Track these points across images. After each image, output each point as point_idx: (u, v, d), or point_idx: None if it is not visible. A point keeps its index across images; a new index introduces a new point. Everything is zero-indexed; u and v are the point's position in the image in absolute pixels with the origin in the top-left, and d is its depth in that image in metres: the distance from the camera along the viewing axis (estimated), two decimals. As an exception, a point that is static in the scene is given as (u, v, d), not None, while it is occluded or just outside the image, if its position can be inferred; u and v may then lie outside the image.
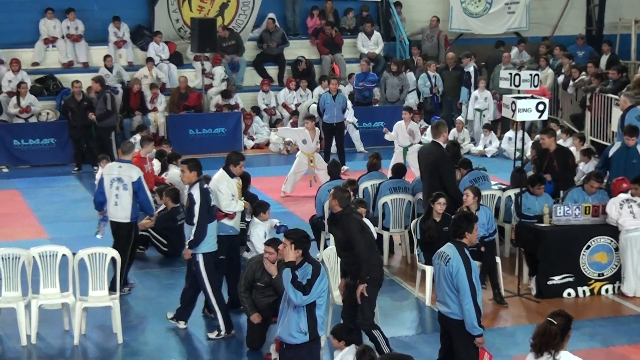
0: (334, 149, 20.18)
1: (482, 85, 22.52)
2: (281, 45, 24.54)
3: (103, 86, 20.30)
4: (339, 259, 11.04)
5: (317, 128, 18.86)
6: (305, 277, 8.79)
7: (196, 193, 11.47)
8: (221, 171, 12.15)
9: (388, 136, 19.38)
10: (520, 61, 24.59)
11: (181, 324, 11.97)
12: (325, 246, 13.80)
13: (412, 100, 23.45)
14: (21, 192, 18.72)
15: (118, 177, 12.90)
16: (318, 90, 23.10)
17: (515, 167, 14.57)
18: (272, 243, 10.65)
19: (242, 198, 12.47)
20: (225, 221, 12.02)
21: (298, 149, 18.84)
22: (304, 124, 18.92)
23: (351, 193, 12.54)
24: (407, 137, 18.79)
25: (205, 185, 11.65)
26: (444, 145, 13.63)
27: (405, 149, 18.82)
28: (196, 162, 11.81)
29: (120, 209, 12.88)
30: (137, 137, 21.17)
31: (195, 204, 11.43)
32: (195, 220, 11.40)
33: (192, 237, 11.43)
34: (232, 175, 12.13)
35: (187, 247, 11.52)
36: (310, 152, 18.32)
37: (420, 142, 18.57)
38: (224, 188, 11.97)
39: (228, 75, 23.89)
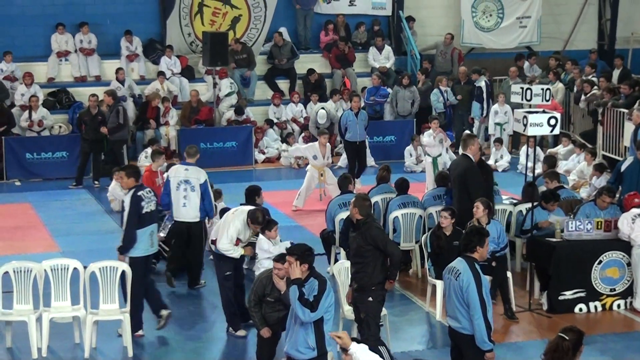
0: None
1: (502, 99, 22.42)
2: (291, 59, 24.58)
3: (115, 99, 20.40)
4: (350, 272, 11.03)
5: (328, 144, 18.80)
6: (312, 293, 8.80)
7: (127, 200, 11.82)
8: (244, 219, 11.89)
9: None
10: (531, 75, 24.59)
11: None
12: (336, 260, 13.79)
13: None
14: (33, 205, 18.76)
15: (185, 179, 13.63)
16: (329, 104, 23.12)
17: (527, 181, 14.55)
18: (281, 259, 10.65)
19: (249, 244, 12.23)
20: None
21: (308, 163, 18.84)
22: (318, 137, 18.80)
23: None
24: (437, 146, 18.80)
25: (139, 193, 11.86)
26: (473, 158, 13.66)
27: (435, 159, 18.80)
28: (135, 168, 12.22)
29: (190, 210, 13.61)
30: (149, 150, 21.24)
31: (124, 210, 11.84)
32: (124, 227, 11.81)
33: (121, 243, 11.82)
34: (249, 225, 11.96)
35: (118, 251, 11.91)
36: (320, 166, 18.32)
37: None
38: (232, 229, 11.82)
39: (239, 89, 23.95)
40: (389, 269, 10.58)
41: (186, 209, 13.61)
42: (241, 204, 14.08)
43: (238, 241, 11.88)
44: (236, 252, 11.90)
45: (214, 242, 12.08)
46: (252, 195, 13.56)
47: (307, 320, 8.78)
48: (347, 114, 19.54)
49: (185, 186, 13.60)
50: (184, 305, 13.28)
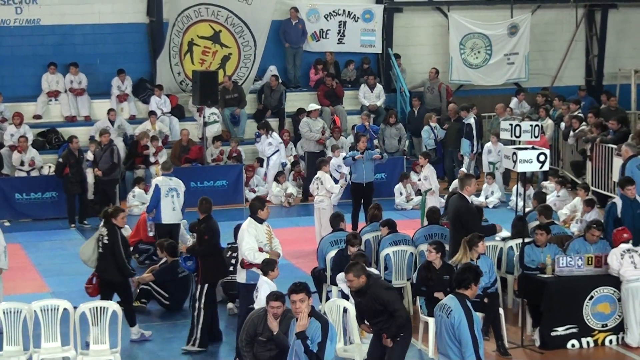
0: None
1: (495, 138, 22.33)
2: (276, 108, 24.56)
3: (109, 139, 20.47)
4: (343, 311, 10.98)
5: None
6: (315, 339, 8.76)
7: None
8: (248, 219, 12.45)
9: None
10: (520, 112, 24.70)
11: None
12: (327, 298, 13.76)
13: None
14: (23, 246, 18.68)
15: (173, 187, 16.28)
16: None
17: (517, 215, 14.57)
18: (279, 297, 10.49)
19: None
20: (255, 269, 12.12)
21: (302, 200, 18.66)
22: (321, 167, 18.08)
23: (364, 263, 12.53)
24: (422, 183, 18.74)
25: None
26: (469, 198, 13.73)
27: (424, 194, 18.78)
28: None
29: (177, 213, 16.31)
30: (136, 190, 21.23)
31: None
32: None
33: None
34: (260, 222, 12.38)
35: None
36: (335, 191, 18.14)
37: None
38: (247, 236, 12.20)
39: (229, 128, 23.97)
40: (391, 325, 10.33)
41: (175, 212, 16.28)
42: (229, 244, 14.31)
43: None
44: (257, 259, 12.05)
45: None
46: None
47: None
48: (353, 154, 18.58)
49: (173, 193, 16.29)
50: (175, 347, 13.20)
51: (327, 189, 17.75)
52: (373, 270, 12.77)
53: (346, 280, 10.31)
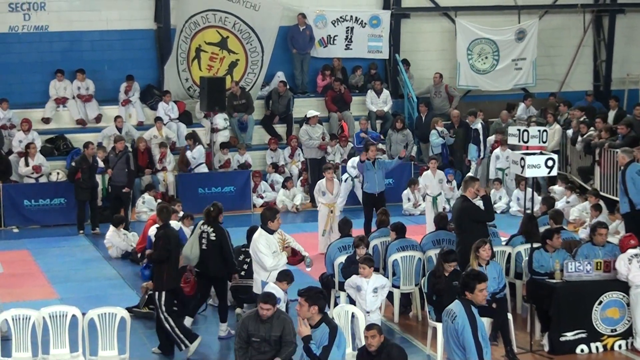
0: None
1: (504, 144, 22.27)
2: (284, 114, 24.58)
3: (124, 145, 20.53)
4: (351, 317, 10.95)
5: (335, 180, 18.66)
6: (322, 343, 8.73)
7: None
8: (259, 230, 12.55)
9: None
10: (527, 117, 24.66)
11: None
12: (336, 304, 13.75)
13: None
14: (31, 253, 18.73)
15: None
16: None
17: (527, 215, 14.55)
18: (269, 300, 10.35)
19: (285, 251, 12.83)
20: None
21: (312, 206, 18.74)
22: (324, 174, 18.34)
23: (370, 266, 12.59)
24: (436, 186, 18.79)
25: None
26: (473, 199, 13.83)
27: (435, 199, 18.77)
28: None
29: None
30: (145, 196, 21.25)
31: None
32: None
33: None
34: (271, 232, 12.50)
35: None
36: (330, 203, 18.16)
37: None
38: (263, 247, 12.28)
39: (237, 135, 23.99)
40: None
41: None
42: (243, 246, 14.45)
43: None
44: (282, 260, 12.36)
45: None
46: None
47: None
48: (365, 164, 18.22)
49: None
50: (183, 353, 13.21)
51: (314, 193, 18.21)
52: (381, 277, 12.81)
53: (367, 337, 9.89)
